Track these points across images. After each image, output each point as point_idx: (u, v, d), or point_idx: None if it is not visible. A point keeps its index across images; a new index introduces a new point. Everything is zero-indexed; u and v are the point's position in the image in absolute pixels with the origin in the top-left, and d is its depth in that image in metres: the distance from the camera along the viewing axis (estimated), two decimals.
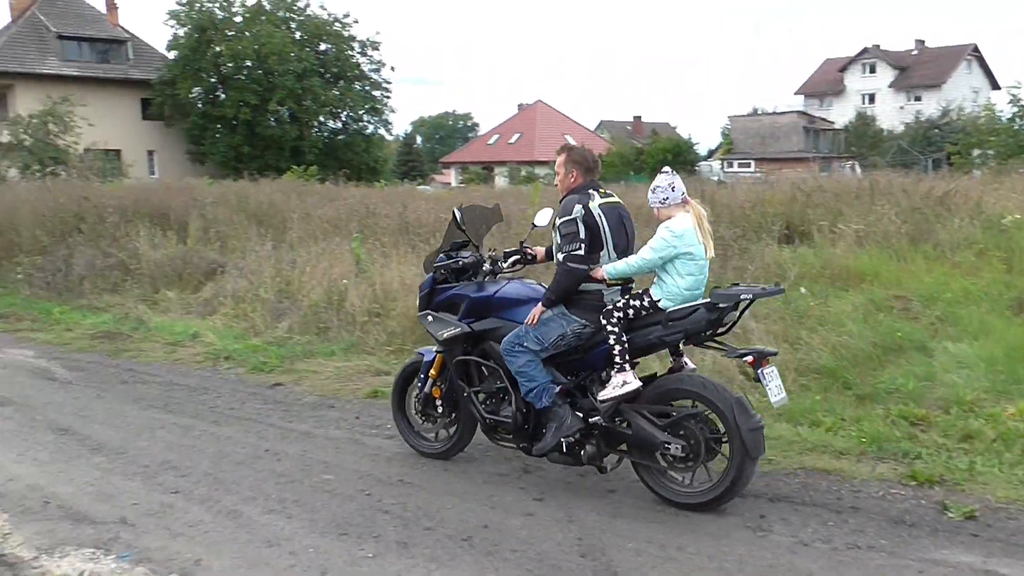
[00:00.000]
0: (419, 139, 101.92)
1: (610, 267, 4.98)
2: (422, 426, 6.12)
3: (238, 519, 4.97)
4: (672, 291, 4.84)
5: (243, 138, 41.22)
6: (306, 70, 41.88)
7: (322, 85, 42.78)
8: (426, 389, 5.93)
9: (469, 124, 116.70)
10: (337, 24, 45.05)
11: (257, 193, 17.77)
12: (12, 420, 7.26)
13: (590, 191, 5.11)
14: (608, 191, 5.27)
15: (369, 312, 9.72)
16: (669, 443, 4.83)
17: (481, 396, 5.61)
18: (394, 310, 9.50)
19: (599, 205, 5.06)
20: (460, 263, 5.72)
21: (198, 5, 42.27)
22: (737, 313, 4.91)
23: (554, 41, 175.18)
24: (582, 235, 4.95)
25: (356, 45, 45.45)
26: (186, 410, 7.49)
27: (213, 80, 41.99)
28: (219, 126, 42.19)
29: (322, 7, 45.59)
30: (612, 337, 4.91)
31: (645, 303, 4.90)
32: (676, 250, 4.79)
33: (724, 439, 4.79)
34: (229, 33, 41.89)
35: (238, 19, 42.68)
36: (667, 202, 4.90)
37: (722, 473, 4.80)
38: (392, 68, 49.88)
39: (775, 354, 5.01)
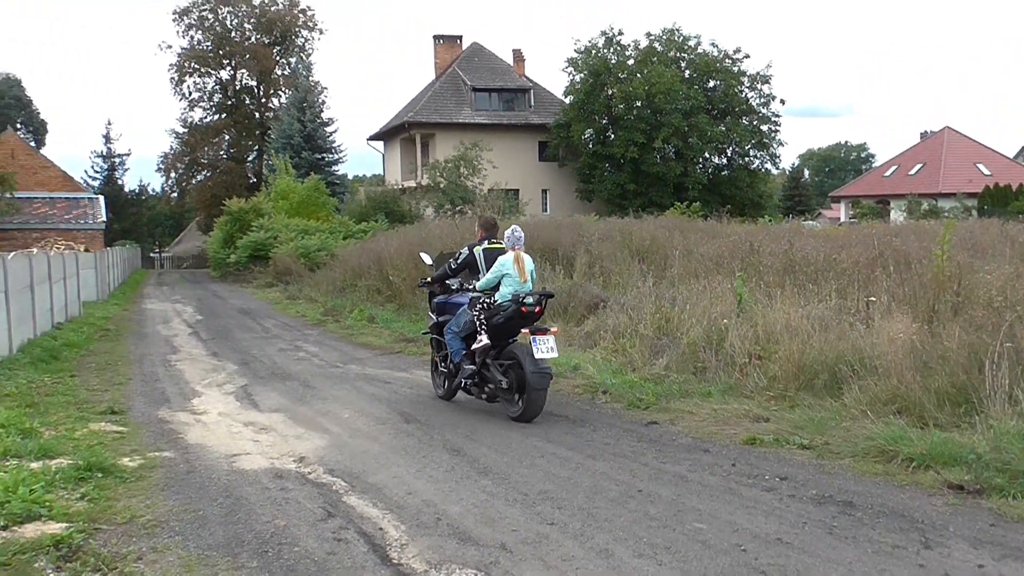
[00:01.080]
0: (806, 172, 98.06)
1: (478, 284, 9.09)
2: (436, 380, 10.18)
3: (609, 559, 4.93)
4: (502, 294, 8.81)
5: (629, 175, 42.46)
6: (693, 107, 42.18)
7: (708, 121, 42.79)
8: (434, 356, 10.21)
9: (863, 155, 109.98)
10: (727, 60, 44.92)
11: (640, 229, 18.10)
12: (414, 437, 8.00)
13: (483, 242, 9.47)
14: (496, 241, 9.45)
15: (749, 354, 9.35)
16: (502, 380, 8.66)
17: (440, 356, 9.87)
18: (777, 353, 9.03)
19: (483, 250, 9.35)
20: (453, 276, 9.72)
21: (594, 52, 44.55)
22: (537, 307, 8.64)
23: (962, 65, 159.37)
24: (455, 266, 9.57)
25: (745, 80, 44.91)
26: (565, 441, 7.70)
27: (604, 121, 43.85)
28: (607, 165, 43.90)
29: (713, 44, 45.72)
30: (475, 317, 8.90)
31: (489, 301, 8.86)
32: (502, 273, 8.83)
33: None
34: (621, 76, 43.57)
35: (631, 62, 44.27)
36: (512, 246, 8.92)
37: (524, 400, 8.40)
38: (782, 101, 48.10)
39: (547, 331, 8.60)
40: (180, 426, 8.69)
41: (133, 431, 8.41)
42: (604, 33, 45.35)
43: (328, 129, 49.26)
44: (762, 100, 45.48)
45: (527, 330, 8.50)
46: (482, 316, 8.80)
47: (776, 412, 8.17)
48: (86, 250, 30.47)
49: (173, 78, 58.94)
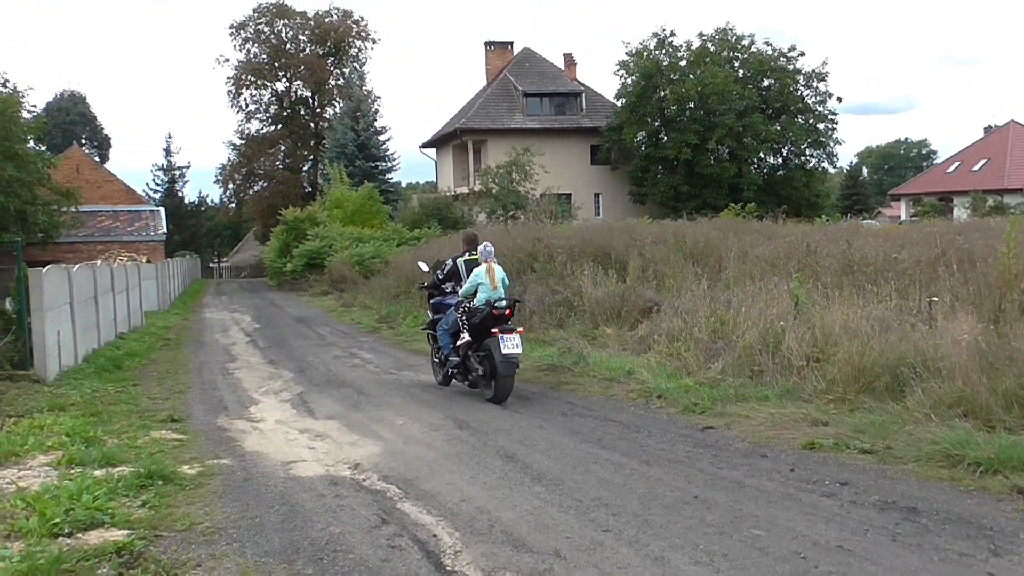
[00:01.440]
0: (865, 171, 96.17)
1: (460, 290, 10.90)
2: (435, 369, 11.88)
3: (665, 566, 4.86)
4: (478, 299, 10.45)
5: (682, 177, 42.07)
6: (747, 107, 41.64)
7: (763, 121, 42.19)
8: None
9: (924, 152, 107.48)
10: (782, 59, 44.27)
11: (694, 232, 17.90)
12: (467, 443, 8.00)
13: (465, 254, 11.41)
14: (474, 254, 11.15)
15: (807, 357, 9.17)
16: (479, 369, 10.33)
17: (434, 349, 11.72)
18: (835, 355, 8.84)
19: (464, 261, 11.31)
20: (442, 285, 11.70)
21: (646, 54, 44.27)
22: (507, 310, 10.38)
23: None
24: (442, 275, 11.60)
25: (801, 78, 44.22)
26: (619, 447, 7.63)
27: (656, 124, 43.54)
28: (660, 167, 43.55)
29: (767, 42, 45.15)
30: (460, 318, 10.62)
31: (470, 305, 10.53)
32: (477, 282, 10.51)
33: None
34: (674, 77, 43.21)
35: (683, 63, 43.90)
36: (484, 259, 10.62)
37: (495, 385, 9.96)
38: (839, 99, 47.03)
39: (514, 330, 10.10)
40: (238, 434, 8.82)
41: (192, 439, 8.56)
42: (656, 34, 45.08)
43: (381, 137, 49.80)
44: (818, 98, 44.71)
45: (496, 329, 10.06)
46: (464, 317, 10.63)
47: (835, 416, 8.00)
48: (148, 261, 31.17)
49: (230, 91, 60.28)
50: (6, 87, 30.09)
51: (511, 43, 50.88)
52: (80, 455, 7.39)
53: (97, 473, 6.86)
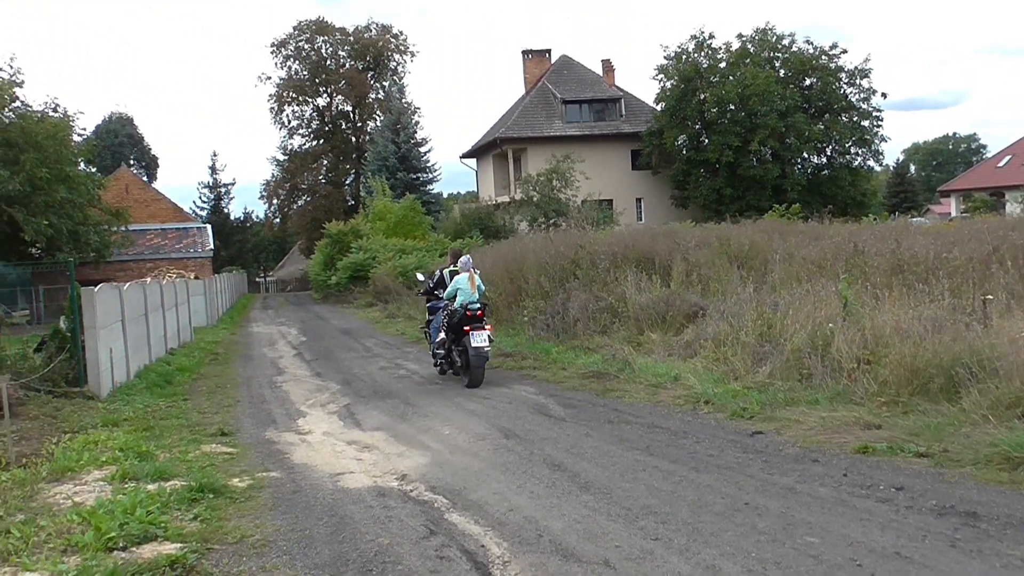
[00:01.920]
0: (912, 167, 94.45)
1: (443, 294, 13.11)
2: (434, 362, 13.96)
3: (716, 575, 4.79)
4: (458, 302, 12.45)
5: (725, 180, 41.67)
6: (789, 107, 41.15)
7: (806, 121, 41.65)
8: None
9: (973, 147, 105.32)
10: (824, 57, 43.70)
11: (738, 235, 17.70)
12: (514, 453, 7.98)
13: (450, 266, 13.53)
14: (455, 266, 13.37)
15: (858, 359, 9.00)
16: (458, 361, 12.61)
17: (430, 343, 14.08)
18: (887, 357, 8.66)
19: (448, 271, 13.44)
20: (434, 291, 13.93)
21: (684, 57, 44.01)
22: (479, 311, 12.34)
23: None
24: (432, 284, 14.12)
25: (843, 76, 43.59)
26: (667, 454, 7.56)
27: (697, 127, 43.24)
28: (702, 170, 43.19)
29: (807, 41, 44.54)
30: (442, 318, 13.02)
31: (452, 308, 12.56)
32: (456, 288, 12.57)
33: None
34: (713, 80, 42.88)
35: (722, 65, 43.55)
36: (466, 269, 12.73)
37: (469, 374, 12.11)
38: (883, 95, 46.21)
39: (483, 328, 12.17)
40: (286, 446, 8.91)
41: (242, 452, 8.66)
42: (694, 37, 44.73)
43: (422, 149, 50.13)
44: (862, 95, 44.03)
45: (467, 327, 12.16)
46: (445, 319, 12.94)
47: (888, 419, 7.84)
48: (196, 277, 31.87)
49: (273, 108, 61.18)
50: (57, 112, 30.96)
51: (548, 51, 50.88)
52: (133, 469, 7.53)
53: (150, 487, 6.96)
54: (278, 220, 67.14)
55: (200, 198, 70.10)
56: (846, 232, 16.84)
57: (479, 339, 12.03)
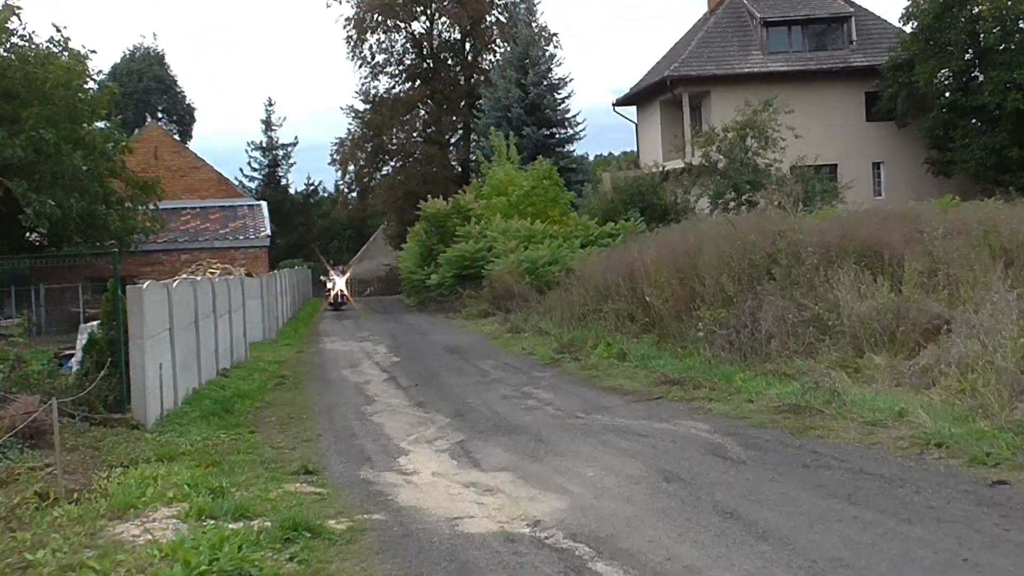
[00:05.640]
0: None
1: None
2: None
3: None
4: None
5: (1009, 136, 40.68)
6: None
7: None
8: None
9: None
10: None
11: (1010, 218, 17.83)
12: (676, 497, 9.25)
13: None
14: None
15: None
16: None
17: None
18: None
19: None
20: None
21: None
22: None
23: None
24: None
25: None
26: (873, 503, 8.64)
27: (966, 57, 42.55)
28: (973, 121, 42.39)
29: None
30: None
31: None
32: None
33: None
34: None
35: None
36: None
37: None
38: None
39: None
40: (387, 487, 10.43)
41: (334, 492, 10.23)
42: None
43: (559, 95, 51.47)
44: None
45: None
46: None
47: None
48: (248, 274, 32.12)
49: (350, 37, 63.06)
50: (68, 51, 31.90)
51: None
52: (209, 507, 9.14)
53: (232, 526, 8.54)
54: (355, 194, 69.35)
55: (250, 164, 73.29)
56: None
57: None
